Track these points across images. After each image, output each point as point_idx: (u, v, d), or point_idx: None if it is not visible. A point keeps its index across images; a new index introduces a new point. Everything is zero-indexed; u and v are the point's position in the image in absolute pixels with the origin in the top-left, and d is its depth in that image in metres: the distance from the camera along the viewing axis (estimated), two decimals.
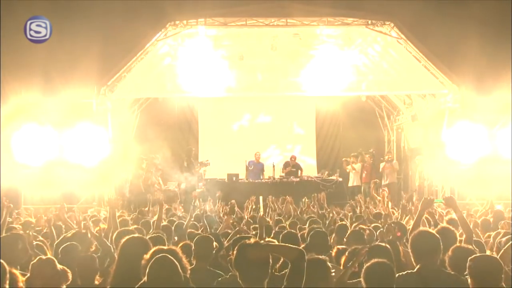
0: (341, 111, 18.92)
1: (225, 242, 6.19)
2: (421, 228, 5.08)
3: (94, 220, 8.14)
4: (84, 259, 4.95)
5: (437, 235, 4.52)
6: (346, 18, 13.16)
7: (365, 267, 4.01)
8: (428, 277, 4.20)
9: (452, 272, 4.33)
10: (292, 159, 17.41)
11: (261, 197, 11.12)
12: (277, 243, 4.44)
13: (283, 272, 4.23)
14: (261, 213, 9.75)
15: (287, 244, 3.87)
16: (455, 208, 5.54)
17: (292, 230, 6.40)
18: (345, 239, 5.96)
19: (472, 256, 4.10)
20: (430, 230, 4.84)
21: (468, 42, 11.73)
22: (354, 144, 18.09)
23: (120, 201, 8.46)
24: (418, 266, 4.31)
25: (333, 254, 5.39)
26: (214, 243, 5.30)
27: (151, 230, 6.83)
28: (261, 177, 16.94)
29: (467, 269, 4.04)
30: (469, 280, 4.04)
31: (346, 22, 13.27)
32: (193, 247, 5.14)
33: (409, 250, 4.46)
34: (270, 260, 3.56)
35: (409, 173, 17.92)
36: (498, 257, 4.54)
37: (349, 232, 6.22)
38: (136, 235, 4.71)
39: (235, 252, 3.59)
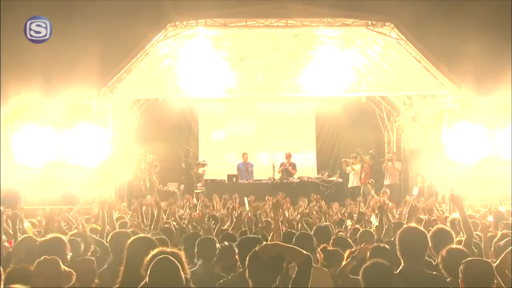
0: (341, 112, 18.91)
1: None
2: (411, 224, 5.03)
3: (86, 219, 8.17)
4: (83, 261, 4.94)
5: (425, 232, 4.44)
6: (346, 19, 13.14)
7: (363, 266, 4.04)
8: (411, 278, 4.13)
9: (435, 273, 4.24)
10: (287, 156, 17.17)
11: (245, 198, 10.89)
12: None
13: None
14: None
15: (296, 247, 3.89)
16: (459, 207, 5.49)
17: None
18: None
19: (465, 260, 4.03)
20: (419, 227, 4.71)
21: (468, 43, 11.70)
22: (354, 145, 18.06)
23: (116, 202, 8.42)
24: (401, 266, 4.24)
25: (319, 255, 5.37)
26: (217, 245, 5.31)
27: (150, 231, 6.80)
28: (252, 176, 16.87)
29: (459, 272, 3.95)
30: (460, 284, 3.96)
31: (346, 23, 13.26)
32: (195, 249, 5.13)
33: (397, 247, 4.36)
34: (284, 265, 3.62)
35: (409, 174, 17.89)
36: (498, 261, 4.50)
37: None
38: (143, 235, 4.70)
39: (248, 257, 3.64)
